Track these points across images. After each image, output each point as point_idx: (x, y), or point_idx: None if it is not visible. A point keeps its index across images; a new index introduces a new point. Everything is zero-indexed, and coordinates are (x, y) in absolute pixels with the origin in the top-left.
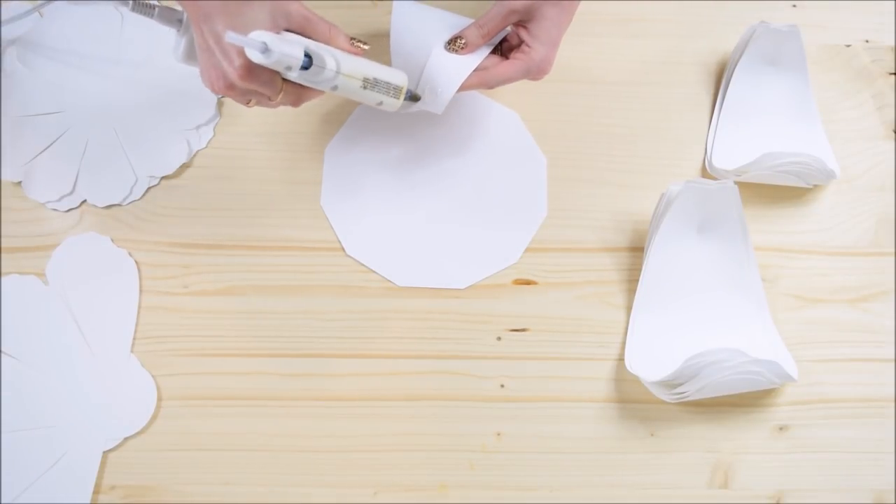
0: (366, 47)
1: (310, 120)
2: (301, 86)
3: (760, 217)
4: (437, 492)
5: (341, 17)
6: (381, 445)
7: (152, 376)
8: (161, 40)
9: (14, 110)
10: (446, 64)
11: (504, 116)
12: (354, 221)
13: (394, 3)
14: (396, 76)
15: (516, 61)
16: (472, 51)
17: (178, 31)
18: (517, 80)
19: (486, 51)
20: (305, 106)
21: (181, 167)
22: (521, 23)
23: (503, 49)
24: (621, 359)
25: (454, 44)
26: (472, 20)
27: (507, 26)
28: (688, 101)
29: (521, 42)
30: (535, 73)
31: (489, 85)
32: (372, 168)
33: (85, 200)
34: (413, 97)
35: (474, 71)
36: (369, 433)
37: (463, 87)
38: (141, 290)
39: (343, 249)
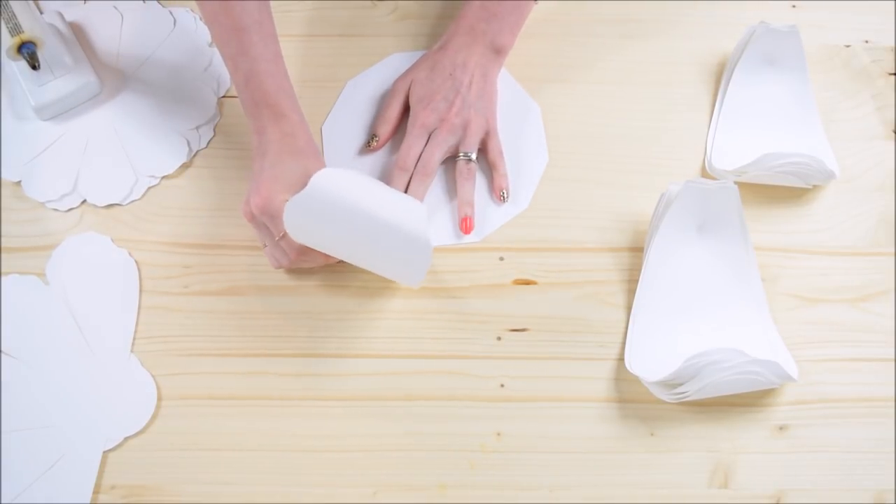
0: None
1: (310, 120)
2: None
3: (760, 217)
4: (437, 492)
5: (342, 17)
6: (381, 445)
7: (152, 376)
8: (162, 40)
9: (14, 110)
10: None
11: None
12: None
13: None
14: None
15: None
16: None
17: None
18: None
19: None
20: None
21: (181, 167)
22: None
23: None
24: (621, 359)
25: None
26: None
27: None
28: (687, 101)
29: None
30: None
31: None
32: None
33: (85, 200)
34: None
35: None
36: (369, 433)
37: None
38: (141, 290)
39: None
